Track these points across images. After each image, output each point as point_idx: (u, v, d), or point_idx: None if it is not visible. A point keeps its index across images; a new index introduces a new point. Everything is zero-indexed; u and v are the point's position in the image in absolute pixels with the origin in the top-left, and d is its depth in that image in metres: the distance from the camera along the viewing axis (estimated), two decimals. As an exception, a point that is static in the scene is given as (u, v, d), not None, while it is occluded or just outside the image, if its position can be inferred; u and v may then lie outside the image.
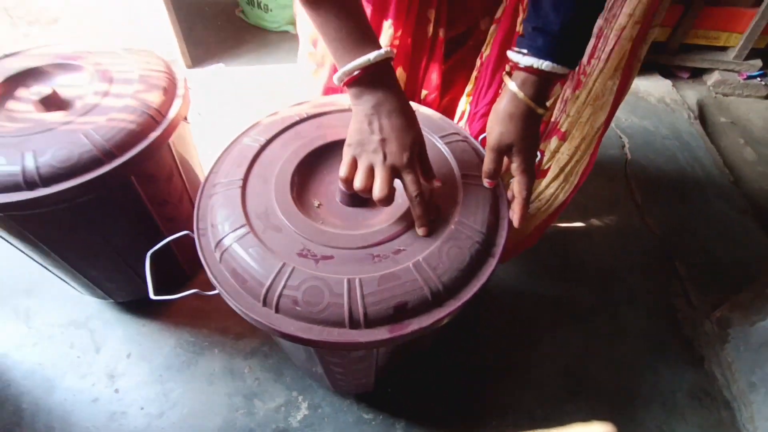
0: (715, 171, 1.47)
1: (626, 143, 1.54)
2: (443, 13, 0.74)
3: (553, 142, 0.84)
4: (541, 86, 0.53)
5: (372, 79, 0.49)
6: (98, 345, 1.03)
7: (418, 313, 0.56)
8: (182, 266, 1.06)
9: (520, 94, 0.53)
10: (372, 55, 0.48)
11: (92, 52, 0.89)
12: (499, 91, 0.79)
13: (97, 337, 1.05)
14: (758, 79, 1.84)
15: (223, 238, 0.60)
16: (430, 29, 0.75)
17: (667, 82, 1.79)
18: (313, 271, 0.56)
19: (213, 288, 0.63)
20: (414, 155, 0.51)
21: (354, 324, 0.55)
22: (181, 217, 0.96)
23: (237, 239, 0.59)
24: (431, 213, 0.57)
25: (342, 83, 0.50)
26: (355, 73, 0.48)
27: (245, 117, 0.83)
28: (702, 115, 1.74)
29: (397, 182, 0.56)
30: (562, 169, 0.84)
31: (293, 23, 1.86)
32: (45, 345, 1.03)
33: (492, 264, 0.60)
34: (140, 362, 1.01)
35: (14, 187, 0.68)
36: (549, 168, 0.86)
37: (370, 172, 0.52)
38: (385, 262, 0.58)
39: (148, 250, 0.67)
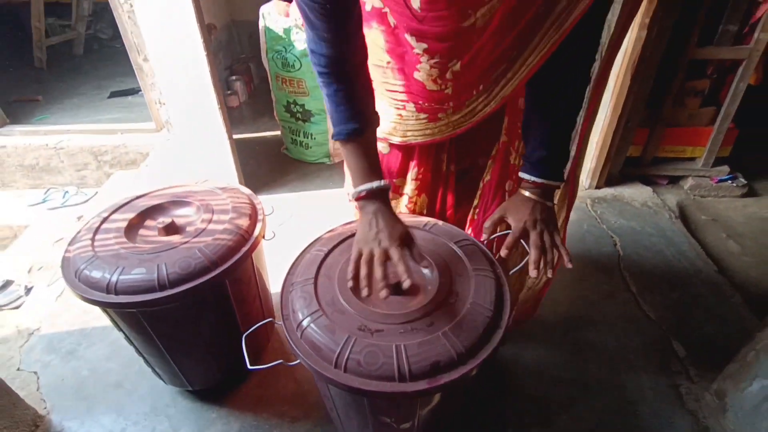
0: (699, 262, 1.68)
1: (617, 242, 1.78)
2: (453, 155, 1.05)
3: None
4: (551, 192, 0.86)
5: (372, 198, 0.78)
6: (175, 429, 1.21)
7: (447, 369, 0.77)
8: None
9: (541, 200, 0.85)
10: (375, 184, 0.78)
11: (196, 191, 1.22)
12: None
13: (175, 422, 1.22)
14: (729, 181, 2.12)
15: (302, 320, 0.84)
16: (444, 166, 1.06)
17: (648, 189, 2.08)
18: (370, 341, 0.78)
19: (293, 359, 0.85)
20: (400, 243, 0.75)
21: (402, 378, 0.75)
22: (252, 313, 1.20)
23: (313, 320, 0.83)
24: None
25: (353, 198, 0.79)
26: (362, 193, 0.78)
27: (292, 234, 1.10)
28: (684, 215, 1.99)
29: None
30: None
31: (328, 156, 2.27)
32: (131, 431, 1.21)
33: (500, 333, 0.82)
34: (210, 444, 1.18)
35: (150, 289, 0.95)
36: None
37: (371, 260, 0.76)
38: (422, 332, 0.80)
39: (228, 342, 0.92)
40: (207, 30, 1.67)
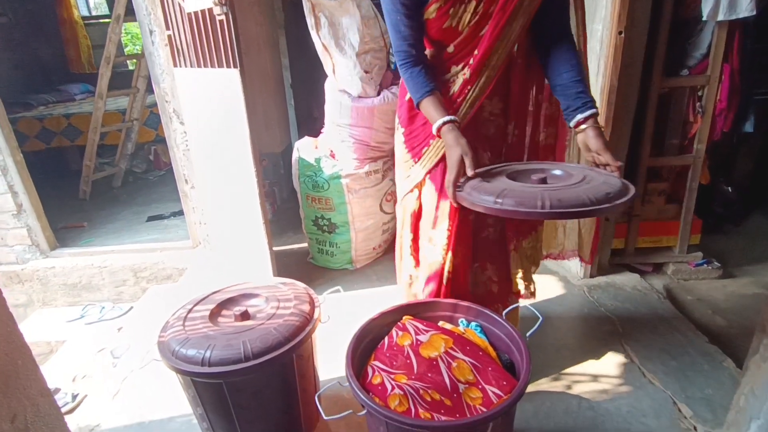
0: (691, 335, 1.89)
1: (616, 321, 2.00)
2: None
3: None
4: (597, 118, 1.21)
5: (446, 128, 1.18)
6: None
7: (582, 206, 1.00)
8: (302, 429, 1.41)
9: (597, 125, 1.19)
10: (445, 119, 1.18)
11: (260, 286, 1.48)
12: None
13: (235, 502, 1.32)
14: (705, 265, 2.41)
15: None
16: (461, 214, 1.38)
17: (636, 275, 2.35)
18: (523, 188, 1.03)
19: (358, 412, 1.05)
20: (459, 160, 1.15)
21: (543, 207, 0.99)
22: (308, 387, 1.38)
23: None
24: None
25: (436, 131, 1.20)
26: (440, 126, 1.18)
27: (334, 324, 1.45)
28: (671, 296, 2.24)
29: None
30: None
31: (350, 262, 2.56)
32: None
33: (628, 196, 1.05)
34: None
35: (238, 361, 1.16)
36: None
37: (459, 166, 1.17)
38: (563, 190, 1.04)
39: (289, 415, 1.16)
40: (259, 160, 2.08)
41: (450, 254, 1.35)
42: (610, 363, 1.76)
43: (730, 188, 2.95)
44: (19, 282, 3.00)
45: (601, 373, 1.72)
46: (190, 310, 1.37)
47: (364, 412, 1.05)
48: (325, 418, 1.04)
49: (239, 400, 1.23)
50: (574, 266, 2.40)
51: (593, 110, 1.20)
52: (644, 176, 2.27)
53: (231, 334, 1.24)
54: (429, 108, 1.22)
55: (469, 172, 1.14)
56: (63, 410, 1.96)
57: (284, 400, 1.31)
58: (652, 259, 2.43)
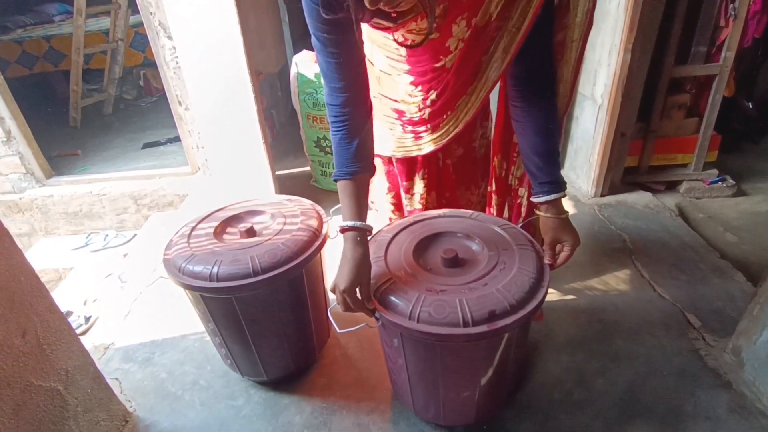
0: (702, 250, 1.86)
1: (626, 238, 1.97)
2: (445, 152, 1.28)
3: None
4: (560, 204, 1.06)
5: (348, 235, 0.97)
6: (256, 414, 1.34)
7: (502, 317, 0.94)
8: (314, 344, 1.42)
9: (559, 214, 1.05)
10: (357, 224, 0.98)
11: (265, 203, 1.42)
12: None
13: (253, 409, 1.36)
14: (720, 183, 2.35)
15: (379, 285, 1.02)
16: (440, 162, 1.30)
17: (648, 194, 2.30)
18: (438, 297, 0.96)
19: (372, 324, 1.02)
20: (346, 289, 0.94)
21: (465, 324, 0.93)
22: (319, 303, 1.37)
23: (387, 286, 1.01)
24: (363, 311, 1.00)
25: (339, 229, 0.99)
26: (344, 227, 0.98)
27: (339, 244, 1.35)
28: (683, 214, 2.20)
29: (481, 252, 1.02)
30: None
31: (355, 184, 2.50)
32: (214, 419, 1.34)
33: (543, 291, 1.00)
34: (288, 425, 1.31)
35: (246, 276, 1.13)
36: None
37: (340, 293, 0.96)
38: (480, 289, 0.98)
39: (301, 330, 1.17)
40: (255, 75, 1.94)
41: (433, 194, 1.33)
42: (620, 278, 1.76)
43: (750, 104, 2.81)
44: (19, 211, 2.95)
45: (610, 288, 1.71)
46: (193, 228, 1.32)
47: (378, 324, 1.03)
48: (338, 331, 1.02)
49: (250, 314, 1.22)
50: (585, 185, 2.34)
51: (548, 197, 1.05)
52: (666, 88, 2.13)
53: (238, 250, 1.20)
54: (343, 194, 1.00)
55: (337, 298, 0.98)
56: (77, 331, 1.99)
57: (295, 316, 1.30)
58: (666, 177, 2.36)
